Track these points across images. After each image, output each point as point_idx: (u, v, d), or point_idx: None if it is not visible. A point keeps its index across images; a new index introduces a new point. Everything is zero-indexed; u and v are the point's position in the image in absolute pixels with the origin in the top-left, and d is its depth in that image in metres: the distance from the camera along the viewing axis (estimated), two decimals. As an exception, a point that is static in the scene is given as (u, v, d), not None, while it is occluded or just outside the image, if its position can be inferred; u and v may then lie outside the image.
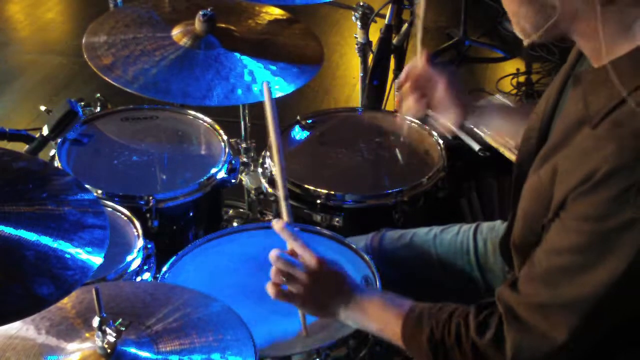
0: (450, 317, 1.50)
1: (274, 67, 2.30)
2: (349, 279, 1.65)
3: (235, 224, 2.66)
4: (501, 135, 1.97)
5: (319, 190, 2.19)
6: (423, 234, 2.02)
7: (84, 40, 2.36)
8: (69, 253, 1.40)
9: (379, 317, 1.62)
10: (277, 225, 1.66)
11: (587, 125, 1.33)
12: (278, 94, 2.25)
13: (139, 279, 1.91)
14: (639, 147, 1.25)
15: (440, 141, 2.38)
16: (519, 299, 1.42)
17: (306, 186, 2.21)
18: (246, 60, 2.32)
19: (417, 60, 1.86)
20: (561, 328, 1.36)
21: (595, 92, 1.34)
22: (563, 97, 1.51)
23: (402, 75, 1.87)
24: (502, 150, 2.60)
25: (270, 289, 1.64)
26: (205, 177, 2.23)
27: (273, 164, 2.23)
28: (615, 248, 1.29)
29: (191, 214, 2.26)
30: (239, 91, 2.23)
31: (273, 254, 1.63)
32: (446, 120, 1.86)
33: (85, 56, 2.30)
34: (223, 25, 2.40)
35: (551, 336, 1.37)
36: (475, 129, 2.02)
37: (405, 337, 1.55)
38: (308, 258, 1.62)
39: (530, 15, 1.35)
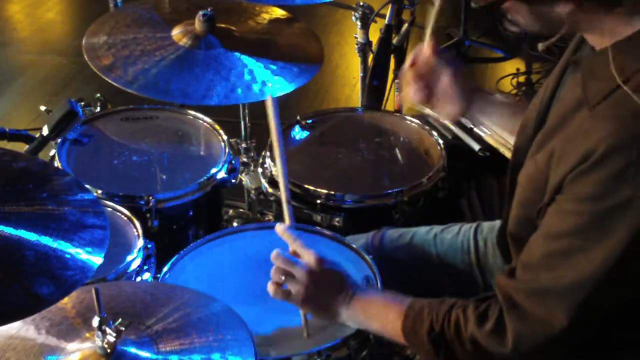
0: (449, 310, 1.51)
1: (274, 67, 2.30)
2: (349, 279, 1.66)
3: (235, 224, 2.66)
4: (500, 133, 1.97)
5: (319, 190, 2.19)
6: (423, 233, 2.01)
7: (84, 41, 2.35)
8: (69, 253, 1.40)
9: (380, 315, 1.62)
10: (279, 228, 1.70)
11: (585, 107, 1.34)
12: (278, 94, 2.25)
13: (139, 279, 1.91)
14: (637, 126, 1.26)
15: (440, 141, 2.38)
16: (517, 286, 1.42)
17: (306, 186, 2.21)
18: (246, 59, 2.32)
19: (424, 47, 1.82)
20: (560, 313, 1.36)
21: (594, 75, 1.35)
22: (561, 84, 1.52)
23: (408, 60, 1.85)
24: (502, 150, 2.60)
25: (270, 288, 1.66)
26: (205, 177, 2.23)
27: (274, 167, 2.22)
28: (613, 228, 1.29)
29: (191, 214, 2.26)
30: (239, 90, 2.23)
31: (274, 253, 1.66)
32: (444, 118, 1.86)
33: (85, 57, 2.30)
34: (223, 25, 2.40)
35: (551, 322, 1.38)
36: (475, 129, 2.01)
37: (406, 332, 1.56)
38: (308, 257, 1.64)
39: (538, 29, 1.38)
